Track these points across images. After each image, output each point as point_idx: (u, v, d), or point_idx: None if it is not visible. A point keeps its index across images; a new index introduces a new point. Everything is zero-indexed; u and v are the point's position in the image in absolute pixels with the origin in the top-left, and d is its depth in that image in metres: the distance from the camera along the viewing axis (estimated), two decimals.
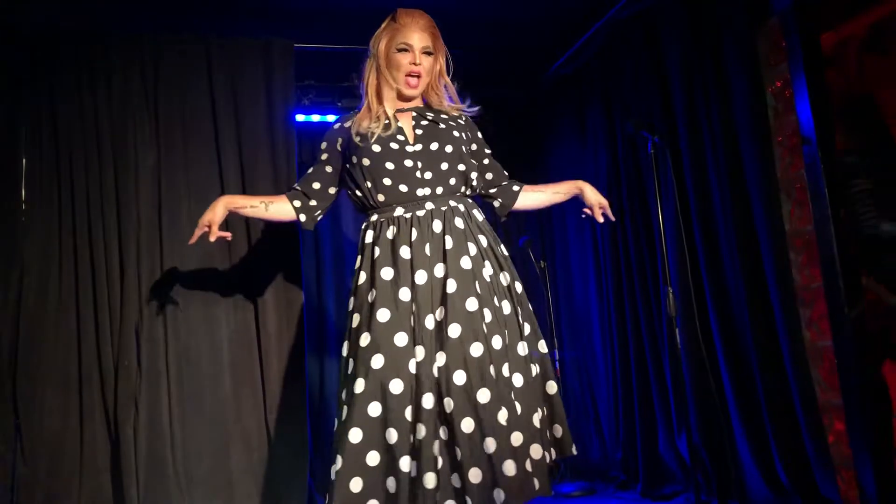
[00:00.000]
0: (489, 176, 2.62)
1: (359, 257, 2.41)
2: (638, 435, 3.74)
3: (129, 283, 3.32)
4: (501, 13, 3.79)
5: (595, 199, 2.65)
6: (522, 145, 4.73)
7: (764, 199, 2.94)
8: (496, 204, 2.65)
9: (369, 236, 2.37)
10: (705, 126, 3.22)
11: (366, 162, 2.36)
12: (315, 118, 4.25)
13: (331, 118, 4.23)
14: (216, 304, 3.44)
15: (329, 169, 2.51)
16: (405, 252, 2.28)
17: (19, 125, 3.36)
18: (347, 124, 2.49)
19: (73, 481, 3.15)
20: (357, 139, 2.39)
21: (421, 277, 2.26)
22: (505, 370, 2.21)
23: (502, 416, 2.14)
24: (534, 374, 2.31)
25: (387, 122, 2.41)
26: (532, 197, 2.66)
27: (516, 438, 2.15)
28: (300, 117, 4.12)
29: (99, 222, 3.36)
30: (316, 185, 2.51)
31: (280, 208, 2.50)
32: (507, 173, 2.69)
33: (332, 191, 2.54)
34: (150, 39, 3.57)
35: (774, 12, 2.93)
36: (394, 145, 2.36)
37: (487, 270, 2.33)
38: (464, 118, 2.56)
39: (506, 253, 2.46)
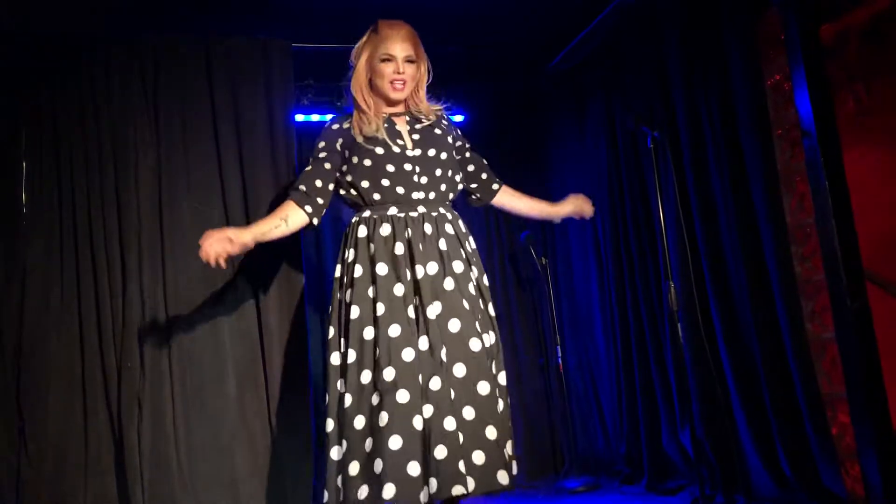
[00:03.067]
0: (471, 168, 2.76)
1: (350, 250, 2.50)
2: (642, 429, 3.74)
3: (131, 284, 3.32)
4: (502, 8, 3.78)
5: (571, 210, 2.82)
6: (522, 139, 4.73)
7: (765, 191, 2.94)
8: (473, 197, 2.80)
9: (362, 231, 2.48)
10: (705, 119, 3.22)
11: (367, 162, 2.47)
12: (315, 118, 4.25)
13: (330, 117, 4.23)
14: (219, 304, 3.44)
15: (328, 166, 2.57)
16: (399, 248, 2.41)
17: (20, 127, 3.37)
18: (346, 125, 2.59)
19: (78, 482, 3.16)
20: (360, 139, 2.50)
21: (418, 272, 2.39)
22: (493, 367, 2.40)
23: (499, 406, 2.35)
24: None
25: (386, 125, 2.52)
26: (509, 201, 2.81)
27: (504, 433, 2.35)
28: (300, 117, 4.11)
29: (100, 224, 3.36)
30: (318, 183, 2.57)
31: (296, 219, 2.55)
32: (486, 163, 2.80)
33: (332, 187, 2.60)
34: (150, 40, 3.57)
35: (773, 4, 2.93)
36: (395, 149, 2.48)
37: (474, 274, 2.50)
38: (445, 118, 2.69)
39: (482, 267, 2.60)
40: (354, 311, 2.39)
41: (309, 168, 2.60)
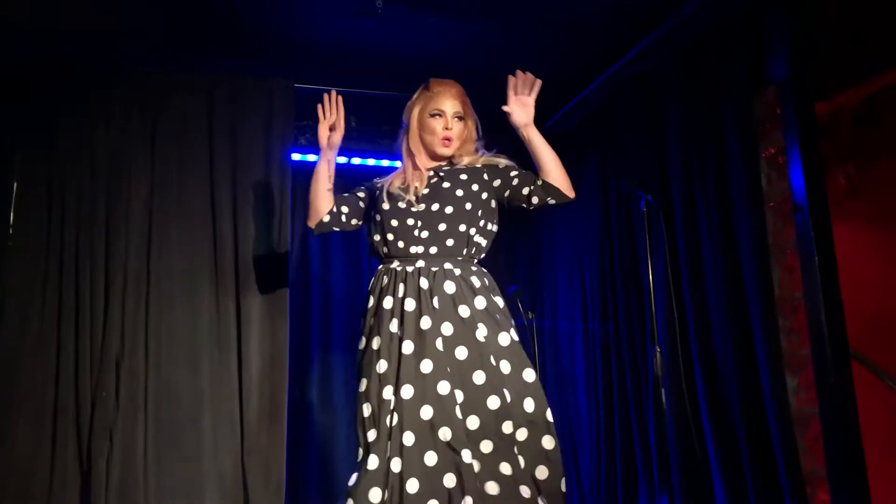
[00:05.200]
0: (525, 191, 2.58)
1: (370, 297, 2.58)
2: (619, 495, 3.69)
3: (113, 315, 3.28)
4: (500, 66, 3.80)
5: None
6: None
7: (754, 262, 2.95)
8: (551, 202, 2.59)
9: (372, 282, 2.57)
10: (699, 187, 3.25)
11: (377, 217, 2.56)
12: (311, 158, 4.24)
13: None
14: (199, 340, 3.40)
15: (360, 204, 2.68)
16: (387, 302, 2.45)
17: (15, 151, 3.36)
18: (379, 183, 2.66)
19: None
20: (377, 193, 2.60)
21: (404, 329, 2.40)
22: (506, 428, 2.33)
23: (504, 468, 2.30)
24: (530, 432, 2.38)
25: (406, 184, 2.56)
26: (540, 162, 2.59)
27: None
28: (296, 156, 4.12)
29: (87, 252, 3.34)
30: (345, 209, 2.67)
31: (329, 197, 2.63)
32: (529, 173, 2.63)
33: (354, 222, 2.69)
34: (153, 73, 3.59)
35: (772, 81, 2.98)
36: (401, 204, 2.53)
37: (481, 332, 2.42)
38: (488, 163, 2.64)
39: (512, 323, 2.55)
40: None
41: (346, 194, 2.69)
